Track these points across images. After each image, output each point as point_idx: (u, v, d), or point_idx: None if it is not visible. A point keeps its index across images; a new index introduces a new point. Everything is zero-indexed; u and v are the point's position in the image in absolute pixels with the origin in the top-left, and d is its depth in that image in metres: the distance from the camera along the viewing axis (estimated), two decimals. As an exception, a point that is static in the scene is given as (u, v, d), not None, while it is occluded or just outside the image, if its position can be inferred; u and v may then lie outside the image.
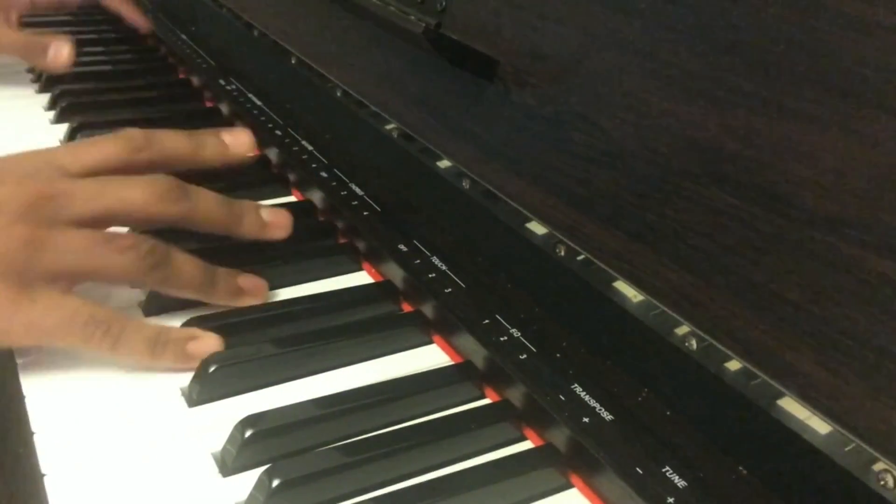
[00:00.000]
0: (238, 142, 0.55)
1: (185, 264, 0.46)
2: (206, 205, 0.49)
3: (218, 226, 0.50)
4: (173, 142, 0.51)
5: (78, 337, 0.42)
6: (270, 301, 0.50)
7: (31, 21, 0.97)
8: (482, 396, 0.44)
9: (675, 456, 0.37)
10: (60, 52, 0.82)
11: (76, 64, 0.89)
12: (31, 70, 0.89)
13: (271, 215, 0.52)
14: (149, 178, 0.47)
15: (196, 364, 0.42)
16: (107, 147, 0.48)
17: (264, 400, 0.42)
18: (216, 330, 0.45)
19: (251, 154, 0.54)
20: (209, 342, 0.44)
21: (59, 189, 0.44)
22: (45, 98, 0.80)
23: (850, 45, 0.32)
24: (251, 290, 0.49)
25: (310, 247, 0.56)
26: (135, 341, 0.43)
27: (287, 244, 0.56)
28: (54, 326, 0.41)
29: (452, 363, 0.46)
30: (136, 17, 0.99)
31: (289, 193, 0.65)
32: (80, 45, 0.95)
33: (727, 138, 0.35)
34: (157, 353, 0.43)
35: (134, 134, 0.49)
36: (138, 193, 0.46)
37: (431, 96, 0.53)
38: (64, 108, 0.76)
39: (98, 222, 0.45)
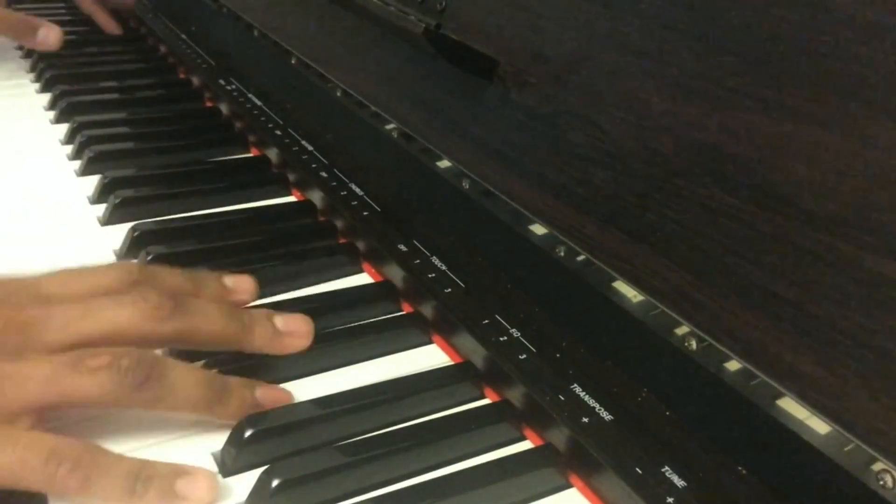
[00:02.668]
0: (240, 288, 0.47)
1: (183, 378, 0.39)
2: (207, 318, 0.42)
3: (224, 341, 0.43)
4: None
5: (38, 478, 0.35)
6: (270, 302, 0.50)
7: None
8: (482, 396, 0.44)
9: (675, 456, 0.37)
10: (50, 34, 0.87)
11: (77, 64, 0.89)
12: (31, 70, 0.89)
13: (287, 324, 0.45)
14: (137, 295, 0.41)
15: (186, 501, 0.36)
16: (100, 277, 0.42)
17: (264, 400, 0.42)
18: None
19: (252, 301, 0.47)
20: (202, 482, 0.36)
21: (31, 315, 0.39)
22: (45, 98, 0.81)
23: (850, 45, 0.32)
24: (271, 403, 0.41)
25: (310, 247, 0.56)
26: (110, 478, 0.35)
27: (287, 244, 0.56)
28: (8, 467, 0.34)
29: (452, 363, 0.46)
30: (107, 23, 1.01)
31: (289, 193, 0.65)
32: (80, 44, 0.95)
33: (727, 138, 0.35)
34: (139, 494, 0.35)
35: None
36: (125, 313, 0.40)
37: (431, 96, 0.53)
38: (64, 108, 0.76)
39: (81, 346, 0.39)
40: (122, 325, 0.40)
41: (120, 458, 0.36)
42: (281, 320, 0.44)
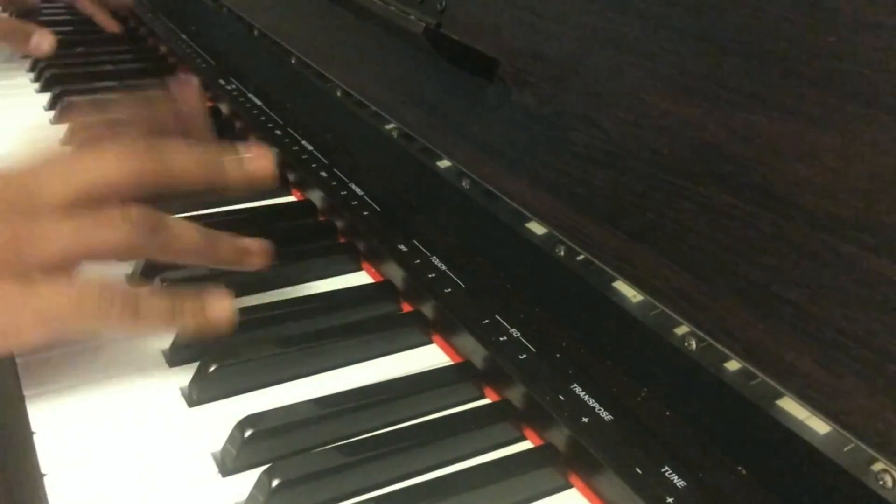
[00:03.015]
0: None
1: (183, 227, 0.44)
2: (182, 159, 0.45)
3: (199, 181, 0.46)
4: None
5: (94, 315, 0.40)
6: (270, 301, 0.50)
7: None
8: (482, 396, 0.44)
9: (675, 456, 0.37)
10: (43, 41, 0.87)
11: (77, 64, 0.89)
12: (31, 70, 0.89)
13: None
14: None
15: (214, 326, 0.42)
16: (107, 166, 0.43)
17: (264, 400, 0.42)
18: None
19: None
20: (225, 302, 0.43)
21: (29, 175, 0.42)
22: (45, 98, 0.81)
23: (850, 45, 0.32)
24: (256, 251, 0.47)
25: (310, 247, 0.56)
26: (155, 310, 0.41)
27: (287, 244, 0.56)
28: (67, 309, 0.39)
29: (452, 363, 0.46)
30: (108, 23, 1.01)
31: (289, 193, 0.65)
32: (79, 44, 0.95)
33: (727, 138, 0.35)
34: (178, 319, 0.42)
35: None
36: (110, 163, 0.42)
37: (431, 96, 0.53)
38: (64, 107, 0.76)
39: (80, 203, 0.41)
40: (110, 172, 0.42)
41: (156, 292, 0.42)
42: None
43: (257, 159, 0.48)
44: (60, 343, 0.43)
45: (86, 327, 0.41)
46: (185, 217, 0.58)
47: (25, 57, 0.92)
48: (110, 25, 1.01)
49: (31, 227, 0.40)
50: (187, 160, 0.45)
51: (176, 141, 0.45)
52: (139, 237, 0.41)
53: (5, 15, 1.02)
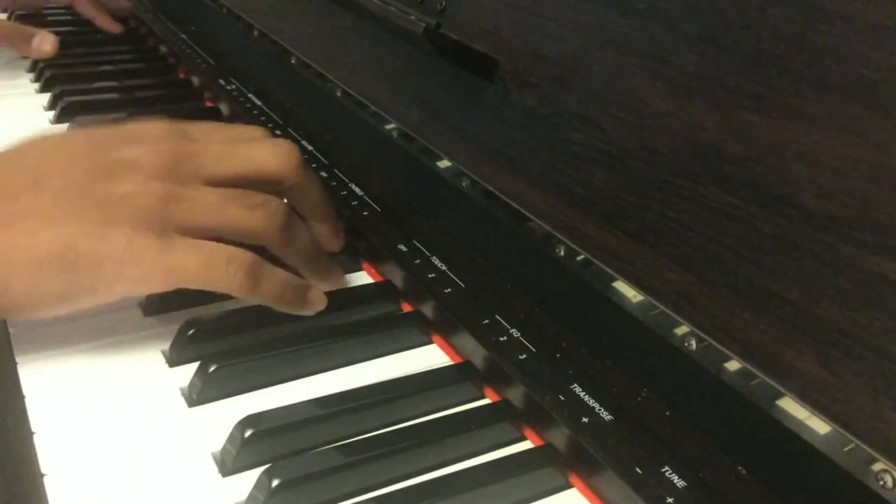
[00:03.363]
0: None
1: (305, 231, 0.48)
2: (319, 186, 0.51)
3: (315, 214, 0.51)
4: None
5: (220, 277, 0.43)
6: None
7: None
8: (482, 396, 0.44)
9: (675, 456, 0.37)
10: (45, 42, 0.88)
11: (77, 64, 0.89)
12: (31, 70, 0.89)
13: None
14: (266, 201, 0.46)
15: (309, 311, 0.46)
16: (259, 155, 0.48)
17: (264, 400, 0.42)
18: (216, 329, 0.46)
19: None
20: (320, 294, 0.47)
21: (193, 149, 0.46)
22: (45, 98, 0.81)
23: (850, 45, 0.32)
24: (335, 281, 0.51)
25: (310, 247, 0.56)
26: (272, 285, 0.45)
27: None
28: (197, 268, 0.42)
29: (452, 363, 0.46)
30: (108, 24, 1.02)
31: (289, 193, 0.65)
32: (79, 44, 0.95)
33: (727, 138, 0.35)
34: (287, 298, 0.46)
35: (291, 148, 0.49)
36: (267, 154, 0.48)
37: (431, 96, 0.53)
38: (64, 107, 0.76)
39: (228, 183, 0.46)
40: (264, 165, 0.47)
41: (274, 269, 0.45)
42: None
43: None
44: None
45: (209, 287, 0.43)
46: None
47: (26, 57, 0.92)
48: (112, 27, 1.01)
49: (182, 191, 0.43)
50: (321, 188, 0.51)
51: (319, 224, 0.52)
52: (272, 226, 0.45)
53: (5, 17, 1.02)
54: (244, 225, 0.45)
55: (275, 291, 0.45)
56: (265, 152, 0.48)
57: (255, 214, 0.45)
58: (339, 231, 0.53)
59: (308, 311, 0.47)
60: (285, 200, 0.48)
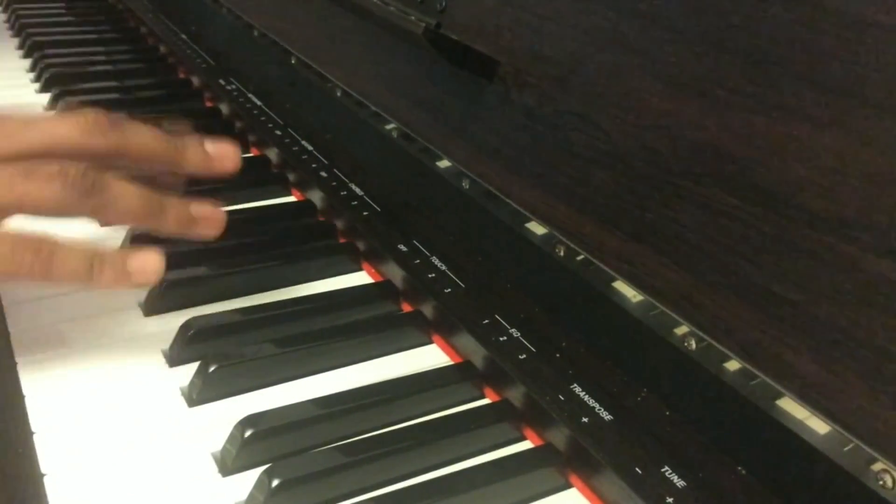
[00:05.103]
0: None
1: (125, 190, 0.42)
2: (141, 136, 0.45)
3: (157, 159, 0.45)
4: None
5: (7, 265, 0.39)
6: (270, 301, 0.50)
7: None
8: (482, 396, 0.44)
9: (675, 456, 0.37)
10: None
11: (76, 64, 0.89)
12: (31, 70, 0.89)
13: (215, 149, 0.47)
14: (76, 112, 0.43)
15: (136, 282, 0.41)
16: (60, 128, 0.43)
17: (264, 400, 0.42)
18: (216, 329, 0.46)
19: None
20: (150, 258, 0.41)
21: None
22: (45, 98, 0.81)
23: (850, 45, 0.32)
24: (207, 218, 0.45)
25: (310, 247, 0.56)
26: (70, 261, 0.40)
27: (287, 244, 0.56)
28: None
29: (452, 363, 0.46)
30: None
31: (289, 193, 0.65)
32: (80, 44, 0.95)
33: (727, 138, 0.35)
34: (96, 274, 0.40)
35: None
36: (64, 126, 0.42)
37: (431, 96, 0.53)
38: (64, 108, 0.76)
39: (24, 159, 0.41)
40: (62, 135, 0.42)
41: (75, 243, 0.40)
42: (211, 146, 0.47)
43: (222, 150, 0.47)
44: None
45: None
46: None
47: (26, 56, 0.92)
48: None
49: None
50: (146, 136, 0.45)
51: (141, 124, 0.45)
52: (72, 195, 0.40)
53: None
54: (40, 199, 0.40)
55: (78, 270, 0.40)
56: (64, 122, 0.43)
57: (52, 186, 0.40)
58: (216, 151, 0.47)
59: (136, 284, 0.41)
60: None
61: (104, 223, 0.44)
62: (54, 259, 0.39)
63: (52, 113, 0.47)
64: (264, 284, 0.51)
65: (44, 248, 0.39)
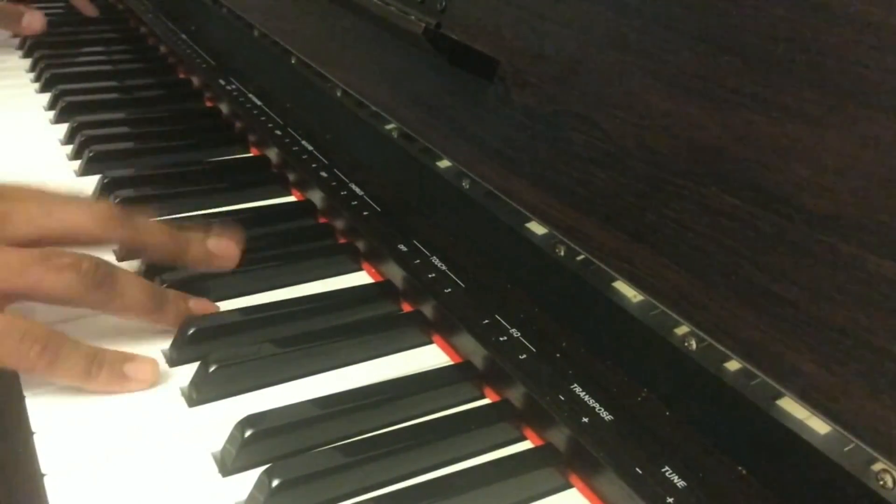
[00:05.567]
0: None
1: (131, 285, 0.44)
2: (152, 231, 0.48)
3: (163, 253, 0.48)
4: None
5: (12, 356, 0.40)
6: (270, 301, 0.50)
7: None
8: (482, 396, 0.44)
9: (675, 456, 0.37)
10: (34, 19, 0.93)
11: (76, 64, 0.89)
12: (31, 70, 0.89)
13: (217, 246, 0.50)
14: (92, 202, 0.45)
15: (131, 388, 0.42)
16: (73, 214, 0.45)
17: (264, 400, 0.42)
18: (216, 329, 0.46)
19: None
20: (146, 366, 0.42)
21: None
22: (45, 98, 0.81)
23: (850, 45, 0.32)
24: (201, 311, 0.47)
25: (310, 247, 0.56)
26: (72, 360, 0.41)
27: (287, 244, 0.56)
28: None
29: (452, 363, 0.46)
30: (84, 6, 1.05)
31: (289, 193, 0.65)
32: (80, 45, 0.95)
33: (727, 138, 0.35)
34: (93, 375, 0.41)
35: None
36: (83, 218, 0.45)
37: (431, 96, 0.53)
38: (64, 107, 0.76)
39: (36, 245, 0.43)
40: (78, 225, 0.44)
41: (78, 343, 0.41)
42: (213, 243, 0.49)
43: (223, 247, 0.50)
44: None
45: (1, 364, 0.40)
46: (184, 218, 0.59)
47: (26, 56, 0.92)
48: (87, 10, 1.04)
49: None
50: (155, 233, 0.48)
51: (150, 219, 0.48)
52: (81, 287, 0.42)
53: None
54: (50, 288, 0.42)
55: (77, 370, 0.41)
56: (78, 210, 0.45)
57: (63, 277, 0.41)
58: (218, 249, 0.49)
59: (129, 388, 0.42)
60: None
61: (107, 313, 0.45)
62: (58, 358, 0.40)
63: (71, 194, 0.48)
64: (264, 284, 0.51)
65: (50, 345, 0.40)
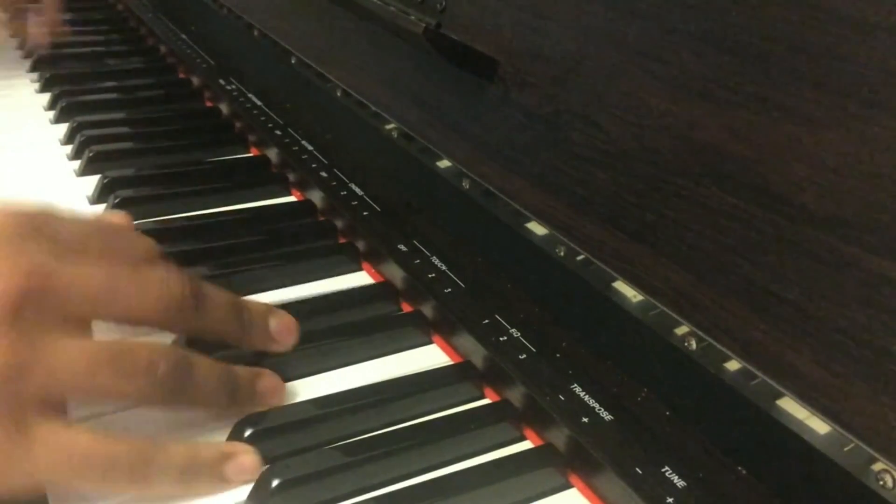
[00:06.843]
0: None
1: (207, 379, 0.39)
2: (220, 319, 0.41)
3: (226, 336, 0.43)
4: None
5: (97, 478, 0.34)
6: (270, 301, 0.50)
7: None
8: (482, 396, 0.44)
9: (675, 456, 0.37)
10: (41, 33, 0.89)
11: (76, 64, 0.89)
12: (31, 70, 0.89)
13: (279, 331, 0.44)
14: (163, 281, 0.38)
15: (235, 487, 0.37)
16: (141, 301, 0.38)
17: (264, 400, 0.42)
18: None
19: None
20: (247, 460, 0.37)
21: (53, 282, 0.35)
22: (45, 98, 0.81)
23: (850, 45, 0.32)
24: (270, 393, 0.42)
25: (310, 247, 0.56)
26: (165, 475, 0.35)
27: (287, 244, 0.56)
28: (66, 469, 0.34)
29: (452, 363, 0.46)
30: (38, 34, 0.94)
31: (289, 193, 0.65)
32: (79, 45, 0.95)
33: (727, 138, 0.35)
34: (192, 484, 0.36)
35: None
36: (149, 305, 0.38)
37: (431, 96, 0.53)
38: (64, 107, 0.76)
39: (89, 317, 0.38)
40: (143, 316, 0.38)
41: (170, 448, 0.36)
42: (274, 324, 0.44)
43: (283, 330, 0.44)
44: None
45: (85, 489, 0.35)
46: (183, 218, 0.59)
47: (26, 56, 0.92)
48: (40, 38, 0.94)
49: (37, 350, 0.34)
50: (221, 318, 0.42)
51: (218, 297, 0.42)
52: (155, 396, 0.37)
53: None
54: (120, 396, 0.36)
55: (172, 484, 0.36)
56: (146, 296, 0.38)
57: (137, 382, 0.36)
58: (279, 334, 0.44)
59: (227, 489, 0.37)
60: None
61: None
62: (150, 474, 0.35)
63: (131, 246, 0.43)
64: (264, 284, 0.51)
65: (138, 465, 0.35)
